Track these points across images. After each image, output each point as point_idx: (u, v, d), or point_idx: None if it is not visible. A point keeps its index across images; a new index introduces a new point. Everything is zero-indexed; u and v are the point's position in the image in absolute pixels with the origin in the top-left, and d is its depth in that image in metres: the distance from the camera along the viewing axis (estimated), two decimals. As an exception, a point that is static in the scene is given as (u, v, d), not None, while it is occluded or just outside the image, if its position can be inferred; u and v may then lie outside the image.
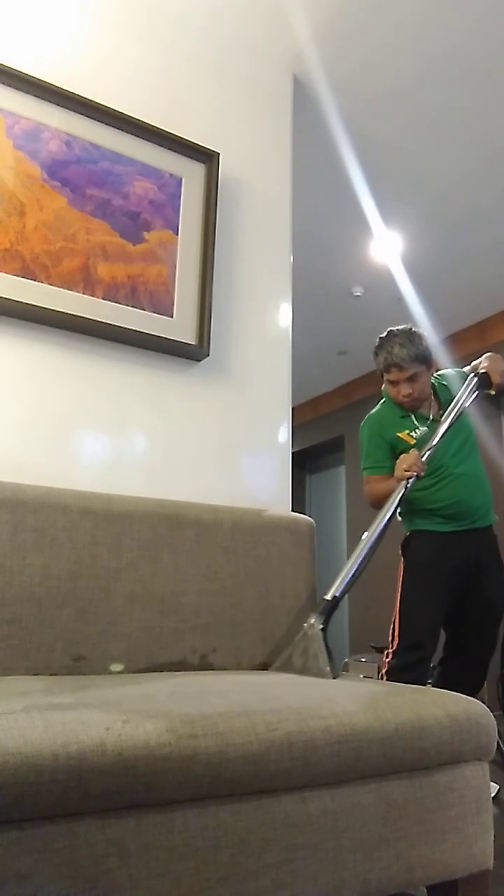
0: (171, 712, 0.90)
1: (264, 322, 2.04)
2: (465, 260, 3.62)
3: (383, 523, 1.73)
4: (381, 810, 1.00)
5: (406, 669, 1.97)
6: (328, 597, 1.55)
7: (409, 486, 1.89)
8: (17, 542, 1.36)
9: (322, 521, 1.68)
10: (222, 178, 1.98)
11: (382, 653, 2.09)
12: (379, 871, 0.98)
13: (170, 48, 2.04)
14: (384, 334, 2.16)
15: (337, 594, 1.56)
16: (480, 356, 2.27)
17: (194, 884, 0.83)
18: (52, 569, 1.38)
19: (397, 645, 2.03)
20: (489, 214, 3.19)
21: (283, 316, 2.09)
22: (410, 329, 2.14)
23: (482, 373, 2.10)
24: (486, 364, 2.13)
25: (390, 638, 2.06)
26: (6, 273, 1.57)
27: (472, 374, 2.12)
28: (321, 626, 1.48)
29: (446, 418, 2.00)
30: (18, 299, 1.56)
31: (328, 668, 1.38)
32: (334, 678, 1.37)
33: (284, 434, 1.99)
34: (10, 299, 1.55)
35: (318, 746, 0.94)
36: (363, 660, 3.78)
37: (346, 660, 4.02)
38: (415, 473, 1.89)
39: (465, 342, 4.37)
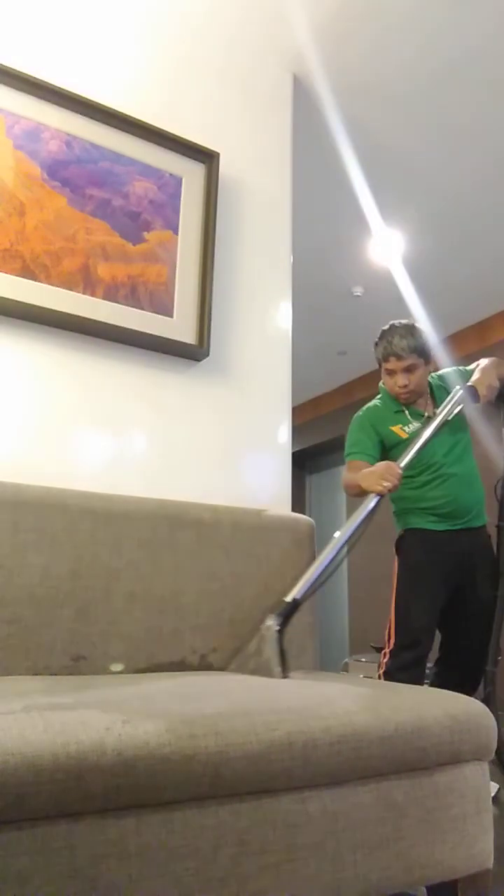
0: (171, 712, 0.90)
1: (264, 322, 2.04)
2: (466, 260, 3.62)
3: (352, 531, 1.66)
4: (381, 810, 1.00)
5: (403, 669, 1.98)
6: (288, 599, 1.51)
7: (378, 502, 1.78)
8: (17, 542, 1.35)
9: (322, 521, 1.64)
10: (222, 178, 1.98)
11: (381, 653, 2.09)
12: (379, 871, 0.98)
13: (169, 48, 2.04)
14: (386, 326, 2.19)
15: (297, 597, 1.51)
16: (479, 356, 2.27)
17: (194, 884, 0.83)
18: (52, 569, 1.38)
19: (394, 644, 2.04)
20: (489, 215, 3.19)
21: (283, 316, 2.09)
22: (412, 324, 2.17)
23: (469, 386, 2.07)
24: (477, 377, 2.12)
25: (387, 638, 2.06)
26: (6, 273, 1.57)
27: (458, 387, 2.07)
28: (277, 629, 1.45)
29: (428, 428, 1.93)
30: (18, 299, 1.56)
31: (278, 670, 1.37)
32: (284, 679, 1.35)
33: (284, 434, 2.00)
34: (10, 299, 1.55)
35: (318, 746, 0.94)
36: (363, 660, 3.77)
37: (347, 660, 4.01)
38: (388, 490, 1.80)
39: (464, 342, 4.37)
